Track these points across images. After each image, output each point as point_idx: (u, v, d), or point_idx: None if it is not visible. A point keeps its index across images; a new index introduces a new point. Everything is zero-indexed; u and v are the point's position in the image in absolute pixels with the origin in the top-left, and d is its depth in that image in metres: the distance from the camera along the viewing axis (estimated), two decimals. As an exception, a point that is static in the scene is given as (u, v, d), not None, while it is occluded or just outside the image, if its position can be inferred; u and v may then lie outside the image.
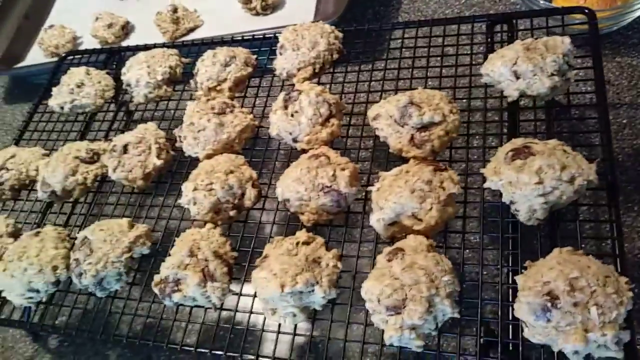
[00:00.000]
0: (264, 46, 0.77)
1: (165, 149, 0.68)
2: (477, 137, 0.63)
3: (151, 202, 0.68)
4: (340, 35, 0.71)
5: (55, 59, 1.09)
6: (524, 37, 0.65)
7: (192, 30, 1.04)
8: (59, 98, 0.78)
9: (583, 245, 0.51)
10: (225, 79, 0.71)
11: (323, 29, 0.70)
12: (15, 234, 0.69)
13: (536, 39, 0.61)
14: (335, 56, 0.70)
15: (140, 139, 0.68)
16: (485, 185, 0.54)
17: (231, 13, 1.03)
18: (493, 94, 0.63)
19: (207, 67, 0.71)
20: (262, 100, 0.73)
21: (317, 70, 0.69)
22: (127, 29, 1.10)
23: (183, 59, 0.78)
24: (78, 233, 0.64)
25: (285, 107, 0.64)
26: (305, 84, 0.66)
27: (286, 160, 0.64)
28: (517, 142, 0.55)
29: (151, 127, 0.70)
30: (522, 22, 0.69)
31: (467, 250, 0.60)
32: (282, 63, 0.70)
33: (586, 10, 0.64)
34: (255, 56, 0.74)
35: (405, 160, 0.59)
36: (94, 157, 0.70)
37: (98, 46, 1.10)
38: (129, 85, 0.77)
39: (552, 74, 0.57)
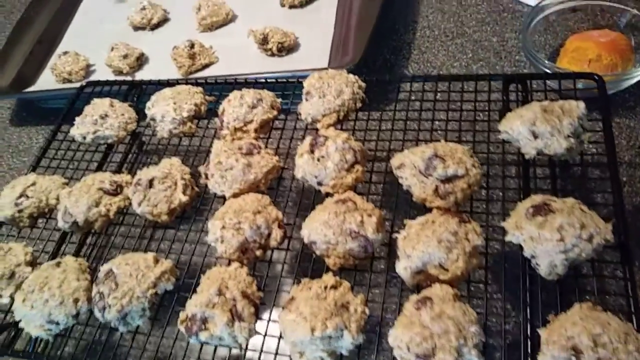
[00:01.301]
0: (286, 90, 0.79)
1: (190, 185, 0.70)
2: (496, 190, 0.67)
3: (174, 237, 0.69)
4: (364, 85, 0.74)
5: (67, 85, 1.11)
6: (538, 98, 0.70)
7: (207, 66, 1.07)
8: (82, 128, 0.79)
9: (599, 301, 0.53)
10: (252, 120, 0.73)
11: (348, 79, 0.73)
12: (33, 263, 0.69)
13: (552, 100, 0.66)
14: (359, 105, 0.73)
15: (166, 174, 0.69)
16: (507, 238, 0.57)
17: (246, 52, 1.06)
18: (510, 150, 0.67)
19: (235, 107, 0.73)
20: (285, 142, 0.75)
21: (341, 118, 0.72)
22: (141, 60, 1.12)
23: (207, 97, 0.80)
24: (101, 265, 0.64)
25: (312, 152, 0.67)
26: (331, 131, 0.69)
27: (309, 202, 0.67)
28: (537, 198, 0.58)
29: (176, 162, 0.72)
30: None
31: (489, 301, 0.63)
32: (308, 109, 0.73)
33: (596, 77, 0.68)
34: (280, 100, 0.77)
35: (427, 209, 0.62)
36: (117, 189, 0.71)
37: (111, 75, 1.12)
38: (153, 119, 0.78)
39: (569, 136, 0.61)
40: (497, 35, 1.02)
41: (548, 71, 0.84)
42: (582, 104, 0.63)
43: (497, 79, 0.73)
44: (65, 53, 1.13)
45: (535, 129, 0.62)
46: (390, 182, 0.65)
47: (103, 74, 1.12)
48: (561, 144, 0.60)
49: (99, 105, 0.81)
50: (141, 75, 1.10)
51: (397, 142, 0.70)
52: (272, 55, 1.04)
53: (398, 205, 0.64)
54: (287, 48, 1.03)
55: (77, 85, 1.09)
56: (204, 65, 1.06)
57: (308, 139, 0.68)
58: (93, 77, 1.13)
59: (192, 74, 1.06)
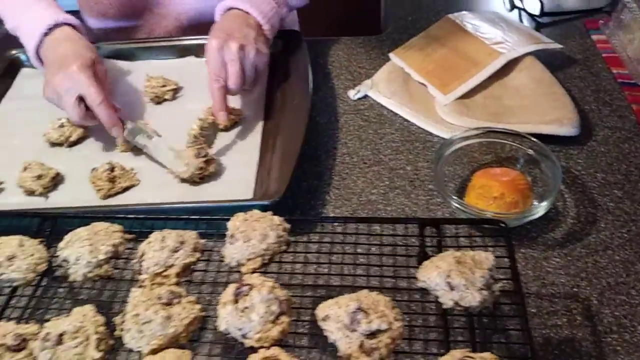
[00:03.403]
0: (210, 227, 0.79)
1: (105, 339, 0.66)
2: (418, 342, 0.69)
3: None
4: (288, 226, 0.75)
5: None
6: (450, 243, 0.74)
7: (127, 189, 1.04)
8: (-15, 271, 0.73)
9: None
10: (173, 265, 0.71)
11: (272, 221, 0.75)
12: None
13: (464, 249, 0.70)
14: (283, 248, 0.74)
15: (77, 328, 0.65)
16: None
17: (168, 175, 1.06)
18: (429, 299, 0.70)
19: (155, 252, 0.72)
20: (207, 287, 0.74)
21: (265, 262, 0.72)
22: (56, 180, 1.07)
23: (126, 235, 0.78)
24: None
25: (236, 302, 0.66)
26: (255, 277, 0.68)
27: (232, 356, 0.65)
28: (456, 354, 0.60)
29: (89, 312, 0.67)
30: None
31: None
32: (232, 253, 0.72)
33: (502, 225, 0.74)
34: (203, 241, 0.76)
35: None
36: (21, 345, 0.65)
37: (22, 194, 1.06)
38: (66, 261, 0.74)
39: (481, 288, 0.65)
40: (411, 164, 1.09)
41: (457, 206, 0.90)
42: (491, 256, 0.68)
43: (414, 223, 0.77)
44: (-29, 171, 1.07)
45: (451, 280, 0.66)
46: (317, 333, 0.65)
47: (13, 193, 1.06)
48: (475, 297, 0.64)
49: (5, 245, 0.75)
50: (56, 196, 1.05)
51: (322, 288, 0.71)
52: (195, 182, 1.04)
53: None
54: (209, 175, 1.03)
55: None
56: (124, 188, 1.04)
57: (232, 288, 0.67)
58: (1, 197, 1.06)
59: (110, 197, 1.03)
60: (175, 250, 0.72)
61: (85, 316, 0.67)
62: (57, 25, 1.12)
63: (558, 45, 1.24)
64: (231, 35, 1.06)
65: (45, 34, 1.12)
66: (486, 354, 0.60)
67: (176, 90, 1.26)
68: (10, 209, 0.96)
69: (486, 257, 0.67)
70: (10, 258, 0.74)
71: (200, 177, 1.02)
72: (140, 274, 0.72)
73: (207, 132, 1.06)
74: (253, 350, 0.64)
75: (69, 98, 1.06)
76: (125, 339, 0.65)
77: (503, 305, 0.72)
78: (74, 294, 0.82)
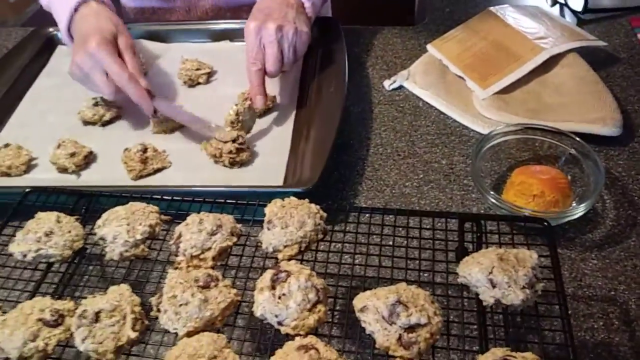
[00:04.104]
0: (246, 212, 0.78)
1: (141, 319, 0.66)
2: (455, 337, 0.67)
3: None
4: (325, 215, 0.74)
5: (6, 181, 1.04)
6: (491, 240, 0.72)
7: (159, 170, 1.04)
8: (23, 245, 0.73)
9: None
10: (210, 248, 0.71)
11: (310, 209, 0.74)
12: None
13: (506, 246, 0.68)
14: (320, 236, 0.73)
15: (114, 307, 0.65)
16: (469, 395, 0.57)
17: (199, 159, 1.05)
18: (467, 295, 0.68)
19: (193, 234, 0.71)
20: (243, 269, 0.73)
21: (302, 249, 0.71)
22: (89, 158, 1.08)
23: (162, 217, 0.78)
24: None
25: (273, 288, 0.65)
26: (293, 264, 0.68)
27: (267, 342, 0.64)
28: (498, 352, 0.59)
29: (126, 291, 0.67)
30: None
31: None
32: (270, 238, 0.72)
33: (545, 223, 0.73)
34: (240, 225, 0.75)
35: (390, 356, 0.61)
36: (58, 320, 0.66)
37: (54, 171, 1.06)
38: (103, 239, 0.74)
39: (524, 287, 0.63)
40: (446, 157, 1.08)
41: (494, 202, 0.88)
42: (534, 255, 0.66)
43: (453, 217, 0.75)
44: (6, 145, 1.08)
45: (493, 277, 0.64)
46: (351, 323, 0.64)
47: (46, 169, 1.07)
48: (518, 295, 0.63)
49: (44, 221, 0.75)
50: (87, 175, 1.06)
51: (359, 278, 0.70)
52: (225, 166, 1.03)
53: (360, 352, 0.63)
54: (239, 162, 1.02)
55: (15, 180, 1.04)
56: (155, 169, 1.04)
57: (269, 274, 0.67)
58: (35, 172, 1.07)
59: (142, 178, 1.03)
60: (213, 234, 0.72)
61: (121, 295, 0.67)
62: (85, 2, 1.12)
63: (602, 43, 1.20)
64: (270, 16, 1.05)
65: (75, 10, 1.12)
66: (527, 354, 0.58)
67: (210, 74, 1.26)
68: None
69: (530, 255, 0.66)
70: (48, 234, 0.74)
71: (231, 162, 1.01)
72: (176, 255, 0.72)
73: (244, 118, 1.05)
74: (288, 337, 0.63)
75: (98, 76, 1.05)
76: (162, 319, 0.65)
77: (539, 305, 0.70)
78: (106, 272, 0.82)
